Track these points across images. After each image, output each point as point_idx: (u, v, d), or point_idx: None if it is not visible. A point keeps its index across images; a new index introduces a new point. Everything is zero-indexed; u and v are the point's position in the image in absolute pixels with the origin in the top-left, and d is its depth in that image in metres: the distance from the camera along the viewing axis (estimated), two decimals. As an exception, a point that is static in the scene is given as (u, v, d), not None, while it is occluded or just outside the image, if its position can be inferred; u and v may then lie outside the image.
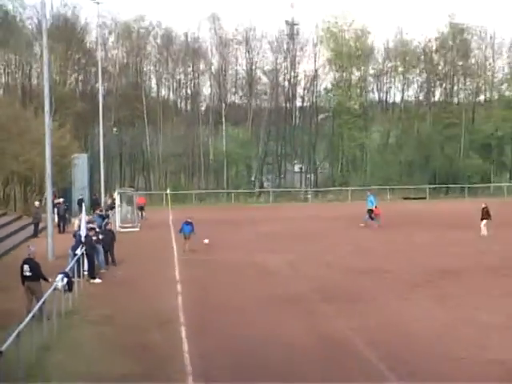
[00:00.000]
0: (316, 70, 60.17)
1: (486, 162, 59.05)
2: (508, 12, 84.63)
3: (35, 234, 28.90)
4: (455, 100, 62.80)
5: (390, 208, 39.13)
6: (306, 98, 62.22)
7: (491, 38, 60.62)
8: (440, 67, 61.58)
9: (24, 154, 36.97)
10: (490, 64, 61.35)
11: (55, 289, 13.84)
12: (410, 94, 63.20)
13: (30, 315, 11.13)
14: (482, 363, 11.05)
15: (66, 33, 55.09)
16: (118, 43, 59.63)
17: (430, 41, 60.71)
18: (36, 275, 14.25)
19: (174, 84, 62.16)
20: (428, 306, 15.72)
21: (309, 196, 56.60)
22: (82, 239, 20.64)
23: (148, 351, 12.33)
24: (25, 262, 14.37)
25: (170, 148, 58.30)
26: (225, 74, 60.87)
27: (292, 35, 60.63)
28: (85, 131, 55.07)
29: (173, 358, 11.65)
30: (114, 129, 56.28)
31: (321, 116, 63.13)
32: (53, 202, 28.09)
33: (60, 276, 15.04)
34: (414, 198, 52.35)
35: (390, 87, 63.13)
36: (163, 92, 62.81)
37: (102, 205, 37.71)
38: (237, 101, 63.85)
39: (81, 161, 44.02)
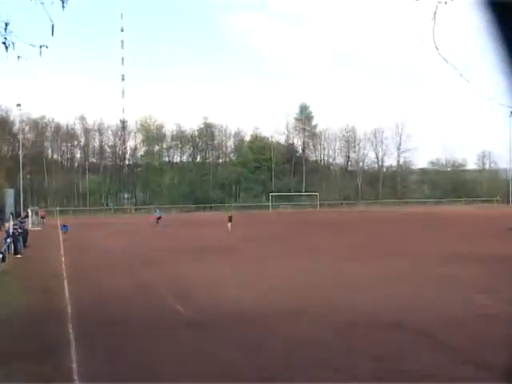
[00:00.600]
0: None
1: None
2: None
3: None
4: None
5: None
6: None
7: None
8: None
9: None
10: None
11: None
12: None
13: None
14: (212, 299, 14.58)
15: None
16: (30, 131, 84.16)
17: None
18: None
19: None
20: (200, 266, 20.60)
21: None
22: (10, 233, 25.24)
23: (45, 291, 15.61)
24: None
25: (58, 187, 80.00)
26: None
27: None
28: (12, 177, 71.55)
29: (59, 294, 15.09)
30: (28, 176, 74.58)
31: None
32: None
33: (-2, 253, 19.18)
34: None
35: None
36: (54, 157, 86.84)
37: (22, 215, 47.35)
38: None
39: (9, 193, 61.16)
